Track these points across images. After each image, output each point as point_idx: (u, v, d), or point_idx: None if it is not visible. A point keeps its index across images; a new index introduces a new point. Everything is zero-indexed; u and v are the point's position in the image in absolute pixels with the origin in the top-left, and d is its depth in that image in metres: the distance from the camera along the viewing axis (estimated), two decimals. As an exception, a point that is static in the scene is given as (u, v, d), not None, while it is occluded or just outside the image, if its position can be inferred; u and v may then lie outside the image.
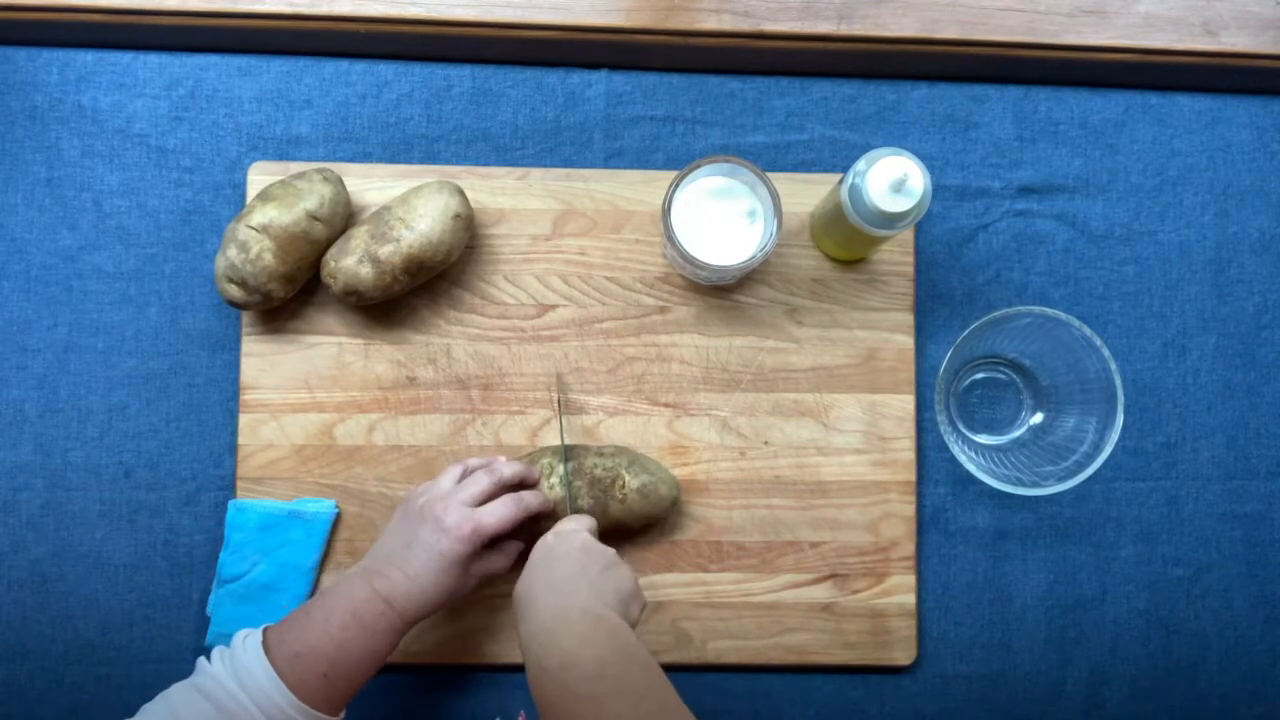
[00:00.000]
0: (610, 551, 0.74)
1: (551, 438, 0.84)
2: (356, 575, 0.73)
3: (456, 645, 0.83)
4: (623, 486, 0.80)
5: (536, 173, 0.86)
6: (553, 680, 0.64)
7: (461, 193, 0.81)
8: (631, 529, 0.83)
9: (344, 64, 0.88)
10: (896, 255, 0.87)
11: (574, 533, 0.74)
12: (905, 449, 0.86)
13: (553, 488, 0.80)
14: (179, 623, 0.84)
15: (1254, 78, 0.90)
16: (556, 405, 0.84)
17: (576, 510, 0.80)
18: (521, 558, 0.79)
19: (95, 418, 0.85)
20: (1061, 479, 0.80)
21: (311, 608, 0.71)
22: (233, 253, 0.78)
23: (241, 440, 0.84)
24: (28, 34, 0.86)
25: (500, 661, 0.84)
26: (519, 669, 0.84)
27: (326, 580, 0.83)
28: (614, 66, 0.88)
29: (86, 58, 0.87)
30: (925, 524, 0.87)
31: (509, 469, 0.78)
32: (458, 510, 0.74)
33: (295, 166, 0.85)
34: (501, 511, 0.75)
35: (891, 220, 0.75)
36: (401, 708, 0.84)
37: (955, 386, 0.88)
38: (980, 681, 0.87)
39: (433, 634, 0.83)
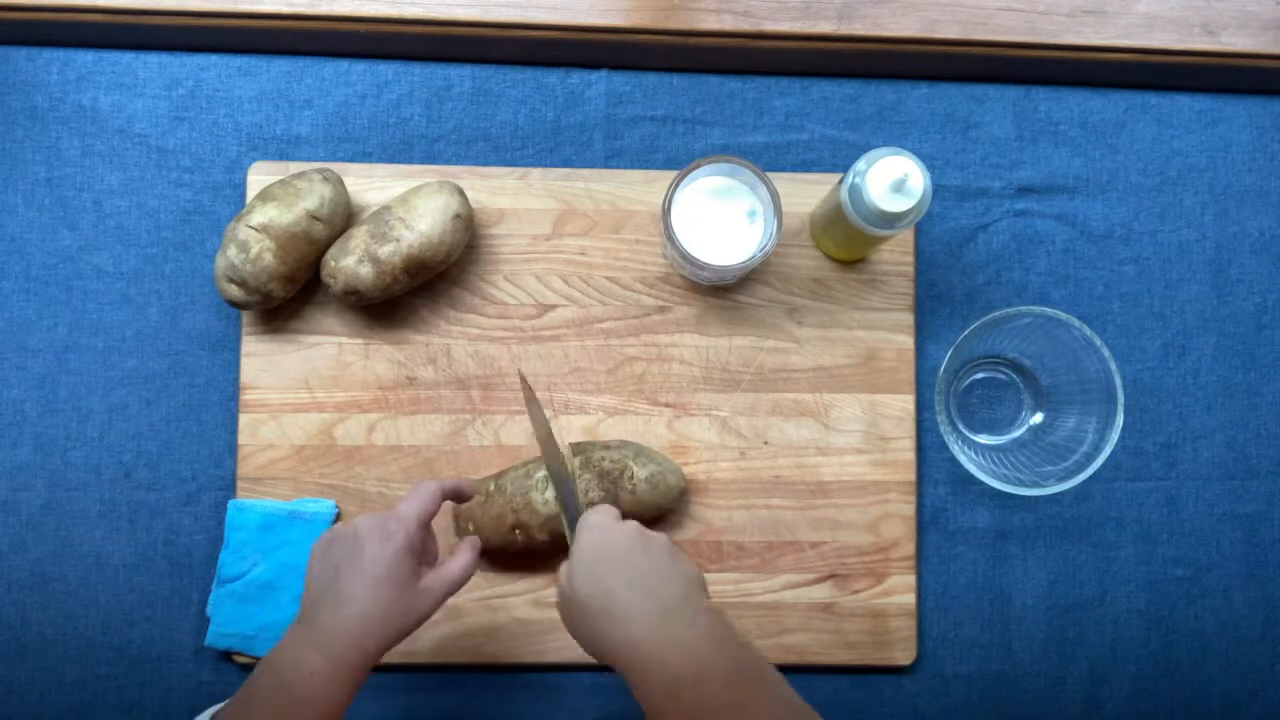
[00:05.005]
0: (663, 536, 0.67)
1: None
2: (290, 632, 0.66)
3: (456, 645, 0.84)
4: (631, 477, 0.80)
5: (536, 173, 0.86)
6: (690, 693, 0.58)
7: (461, 193, 0.81)
8: (641, 520, 0.82)
9: (344, 64, 0.88)
10: (896, 255, 0.87)
11: (626, 524, 0.67)
12: (905, 449, 0.86)
13: (547, 502, 0.79)
14: (179, 623, 0.84)
15: (1254, 78, 0.90)
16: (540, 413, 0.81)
17: (578, 513, 0.74)
18: (513, 564, 0.74)
19: (95, 418, 0.85)
20: (1061, 479, 0.80)
21: (247, 687, 0.65)
22: (233, 253, 0.78)
23: (241, 440, 0.84)
24: (28, 34, 0.86)
25: (500, 661, 0.84)
26: (519, 669, 0.84)
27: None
28: (614, 66, 0.88)
29: (86, 58, 0.87)
30: (925, 524, 0.87)
31: (434, 484, 0.71)
32: (369, 519, 0.68)
33: (295, 166, 0.85)
34: (415, 497, 0.69)
35: (891, 220, 0.75)
36: (401, 707, 0.84)
37: (955, 386, 0.88)
38: (980, 681, 0.87)
39: (432, 634, 0.83)
